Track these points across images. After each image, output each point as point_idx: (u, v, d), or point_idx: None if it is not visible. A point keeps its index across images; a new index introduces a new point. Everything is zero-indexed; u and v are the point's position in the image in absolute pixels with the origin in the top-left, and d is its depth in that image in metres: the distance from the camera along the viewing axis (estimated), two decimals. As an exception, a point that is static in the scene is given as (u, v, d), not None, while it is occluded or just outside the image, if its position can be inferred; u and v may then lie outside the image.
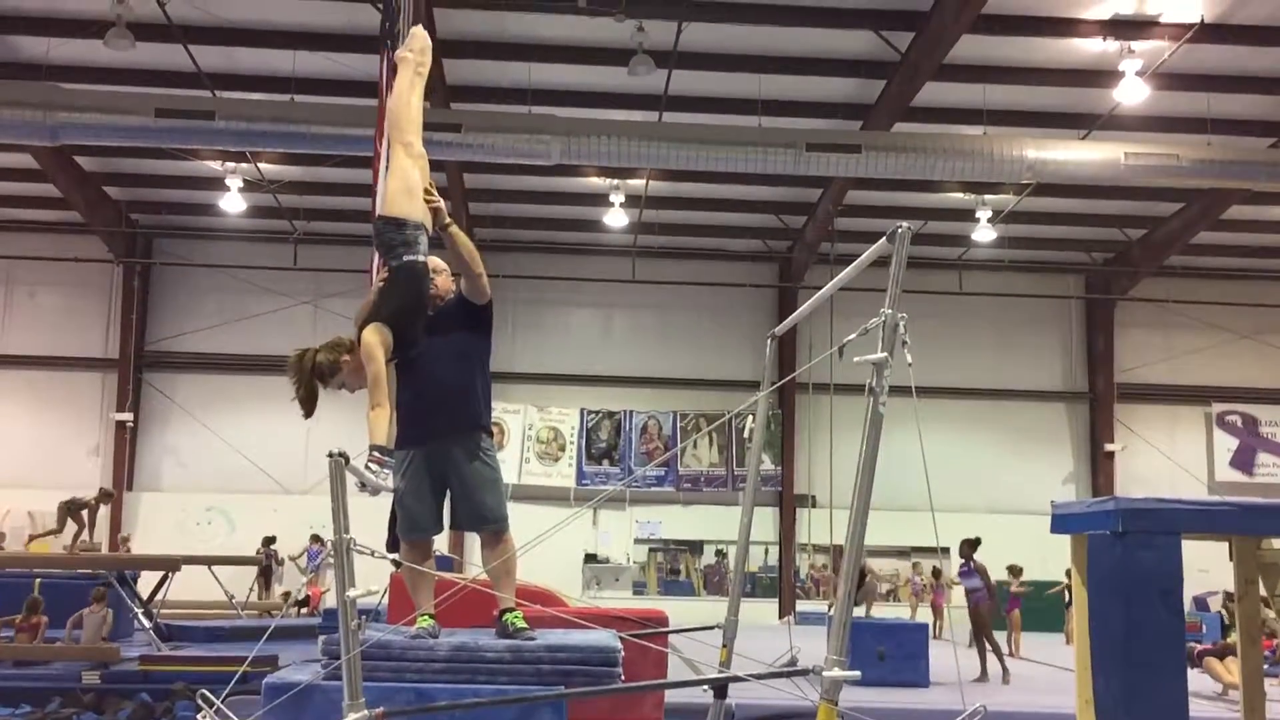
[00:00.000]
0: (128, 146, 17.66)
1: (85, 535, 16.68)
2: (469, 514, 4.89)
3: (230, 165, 18.73)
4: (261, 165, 18.72)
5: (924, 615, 16.75)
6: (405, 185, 4.80)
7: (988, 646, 12.06)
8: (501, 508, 4.91)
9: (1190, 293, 22.27)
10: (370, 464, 4.20)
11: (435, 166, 17.84)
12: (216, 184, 19.40)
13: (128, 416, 21.48)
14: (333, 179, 19.03)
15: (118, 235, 21.38)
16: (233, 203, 19.53)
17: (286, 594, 15.65)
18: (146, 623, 13.22)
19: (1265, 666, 7.41)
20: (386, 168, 5.00)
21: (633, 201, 19.70)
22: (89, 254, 21.35)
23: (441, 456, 4.88)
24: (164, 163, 18.99)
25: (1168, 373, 22.81)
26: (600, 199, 19.70)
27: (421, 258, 4.72)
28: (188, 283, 22.16)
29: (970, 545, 12.87)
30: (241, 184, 19.10)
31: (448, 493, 4.95)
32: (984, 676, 11.70)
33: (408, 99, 5.02)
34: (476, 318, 5.05)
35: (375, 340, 4.48)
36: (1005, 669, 11.75)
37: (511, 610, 4.73)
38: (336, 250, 21.09)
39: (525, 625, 4.71)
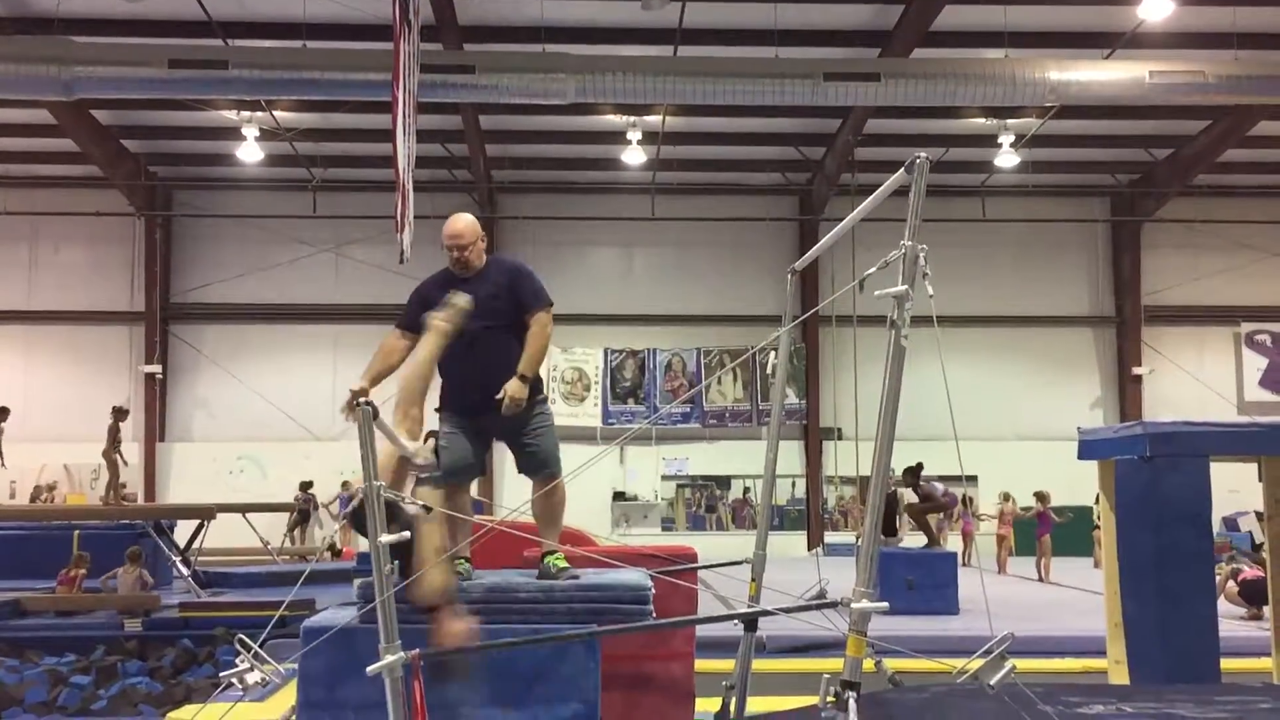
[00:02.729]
0: (143, 99, 17.64)
1: (121, 486, 16.83)
2: (526, 461, 4.97)
3: (246, 114, 18.68)
4: (277, 113, 18.66)
5: (953, 543, 16.80)
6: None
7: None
8: (556, 452, 4.98)
9: (1217, 212, 21.98)
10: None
11: (449, 109, 17.90)
12: (233, 134, 19.37)
13: (156, 369, 21.68)
14: (349, 125, 18.95)
15: (138, 188, 21.42)
16: (250, 152, 19.49)
17: (333, 546, 15.86)
18: (184, 570, 13.47)
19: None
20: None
21: (650, 138, 19.54)
22: (110, 208, 21.41)
23: (489, 424, 4.94)
24: (180, 114, 18.95)
25: (1195, 294, 22.58)
26: (617, 137, 19.55)
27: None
28: (209, 234, 22.22)
29: (912, 473, 12.98)
30: (258, 133, 19.05)
31: (492, 441, 5.04)
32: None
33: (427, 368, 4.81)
34: (518, 304, 4.96)
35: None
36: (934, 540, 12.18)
37: (554, 553, 4.79)
38: (356, 197, 21.08)
39: (567, 566, 4.77)
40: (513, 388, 4.71)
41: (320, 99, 16.84)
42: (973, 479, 20.13)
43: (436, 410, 4.96)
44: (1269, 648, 6.52)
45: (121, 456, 15.77)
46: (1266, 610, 7.98)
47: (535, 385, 4.98)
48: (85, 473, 21.42)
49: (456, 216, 5.05)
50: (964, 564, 14.72)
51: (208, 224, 22.14)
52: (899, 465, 13.36)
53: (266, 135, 19.27)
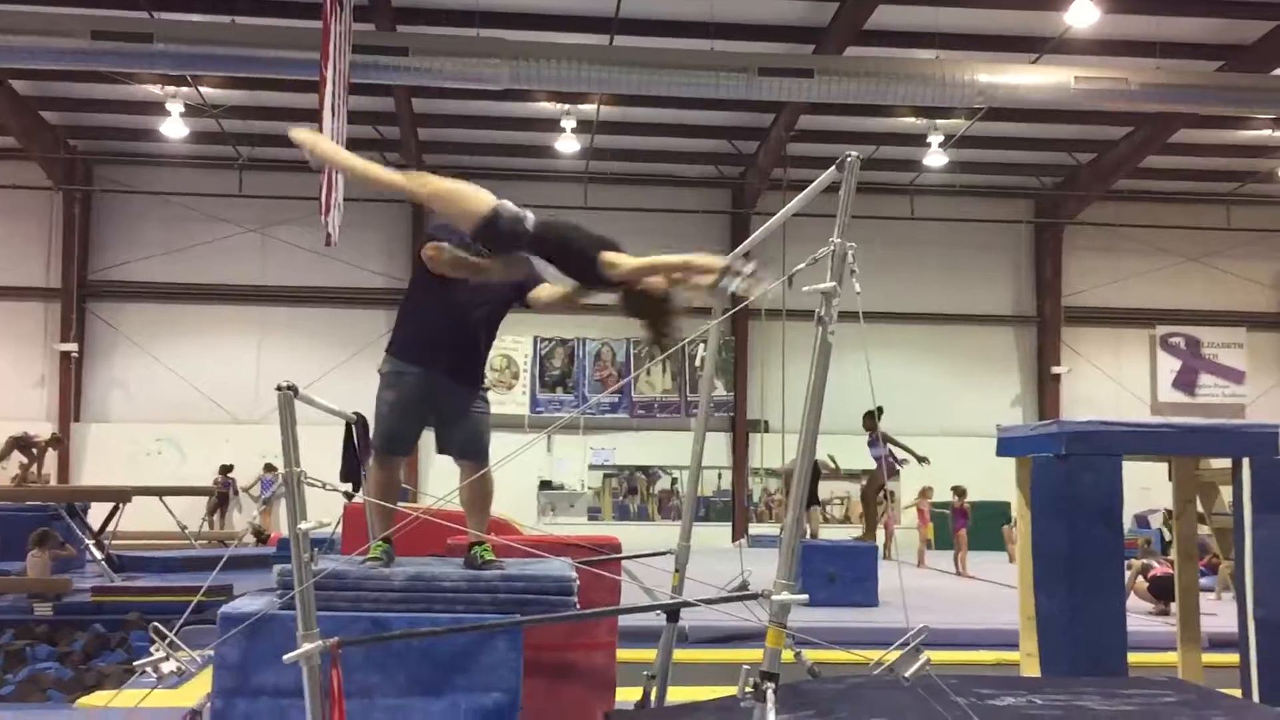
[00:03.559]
0: (64, 70, 17.17)
1: (34, 470, 16.53)
2: (462, 442, 4.89)
3: (171, 89, 18.27)
4: (203, 89, 18.28)
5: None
6: (456, 203, 4.42)
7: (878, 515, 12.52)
8: (488, 440, 4.95)
9: (1136, 216, 22.56)
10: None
11: (382, 91, 17.69)
12: (157, 109, 18.94)
13: (72, 347, 21.15)
14: (278, 103, 18.63)
15: (56, 162, 20.85)
16: (174, 128, 19.08)
17: (259, 530, 15.62)
18: (98, 554, 13.17)
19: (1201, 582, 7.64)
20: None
21: (584, 127, 19.50)
22: (27, 181, 20.82)
23: (445, 390, 4.85)
24: (102, 87, 18.48)
25: (1113, 296, 23.16)
26: (551, 124, 19.48)
27: (532, 216, 4.47)
28: (130, 210, 21.71)
29: (871, 417, 13.04)
30: (183, 109, 18.65)
31: (428, 421, 4.97)
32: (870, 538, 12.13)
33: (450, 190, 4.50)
34: (523, 286, 4.98)
35: (475, 194, 4.37)
36: (871, 535, 12.18)
37: (481, 543, 4.76)
38: (284, 177, 20.73)
39: (494, 558, 4.74)
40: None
41: (248, 76, 16.52)
42: (895, 473, 20.41)
43: (389, 352, 4.83)
44: (1175, 643, 6.71)
45: (39, 473, 15.60)
46: (1174, 606, 8.22)
47: (480, 373, 5.01)
48: (-6, 452, 20.84)
49: None
50: (884, 558, 14.95)
51: (129, 200, 21.63)
52: (852, 460, 13.49)
53: (192, 111, 18.88)
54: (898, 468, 12.83)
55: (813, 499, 12.92)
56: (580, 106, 18.86)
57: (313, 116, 12.18)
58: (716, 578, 5.47)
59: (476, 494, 4.86)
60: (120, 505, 14.10)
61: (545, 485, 21.88)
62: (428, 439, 5.07)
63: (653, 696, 5.19)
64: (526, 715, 4.62)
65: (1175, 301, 23.23)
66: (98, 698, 7.68)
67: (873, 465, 13.76)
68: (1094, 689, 4.46)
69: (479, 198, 4.39)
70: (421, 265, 4.77)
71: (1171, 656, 7.06)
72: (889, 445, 13.08)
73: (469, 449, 4.88)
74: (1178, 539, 6.71)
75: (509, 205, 4.39)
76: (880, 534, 16.93)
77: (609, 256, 4.21)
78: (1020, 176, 22.71)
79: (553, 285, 4.87)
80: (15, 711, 8.16)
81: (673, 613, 5.17)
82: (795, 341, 19.86)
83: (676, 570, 5.33)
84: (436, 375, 4.81)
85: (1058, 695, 4.32)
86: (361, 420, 5.25)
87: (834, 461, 14.30)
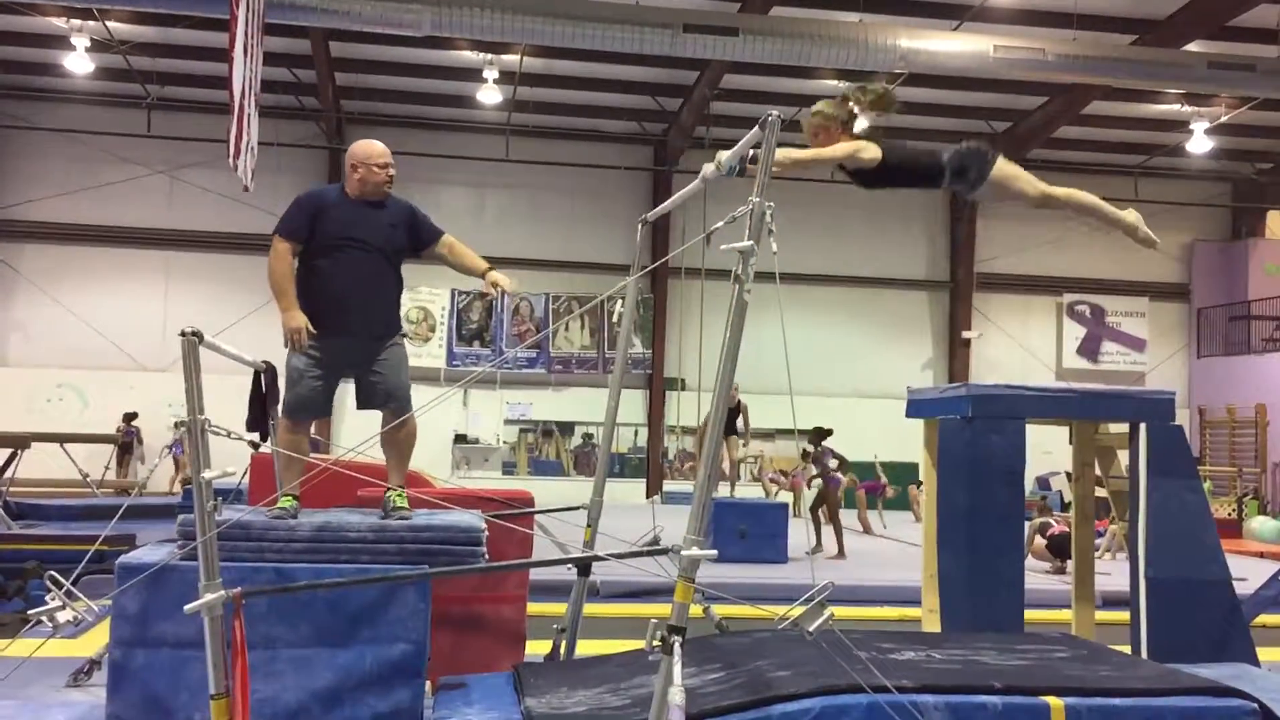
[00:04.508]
0: (-40, -3, 16.44)
1: None
2: (382, 392, 4.88)
3: (76, 23, 17.58)
4: (110, 24, 17.63)
5: (783, 496, 17.26)
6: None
7: (826, 522, 12.60)
8: (408, 388, 4.95)
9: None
10: None
11: (298, 33, 17.22)
12: (62, 42, 18.22)
13: (-31, 288, 20.42)
14: (188, 41, 18.04)
15: (-48, 94, 20.01)
16: (79, 63, 18.37)
17: (187, 481, 15.24)
18: (-5, 501, 12.78)
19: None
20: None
21: (507, 78, 19.24)
22: (-79, 113, 19.97)
23: (355, 351, 4.84)
24: (3, 17, 17.71)
25: (1023, 264, 23.64)
26: (474, 74, 19.19)
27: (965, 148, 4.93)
28: (33, 148, 20.91)
29: (819, 434, 13.29)
30: (89, 44, 17.96)
31: (341, 381, 4.95)
32: (819, 548, 12.23)
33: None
34: (419, 237, 5.08)
35: (859, 150, 4.76)
36: (842, 548, 12.29)
37: (397, 491, 4.76)
38: (195, 118, 20.14)
39: (405, 506, 4.73)
40: (502, 277, 4.95)
41: (156, 11, 15.95)
42: (804, 432, 20.69)
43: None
44: (1070, 600, 6.93)
45: None
46: (1070, 565, 8.48)
47: (398, 321, 5.03)
48: (-114, 395, 20.11)
49: (370, 140, 5.05)
50: (794, 515, 15.19)
51: (32, 137, 20.82)
52: (765, 419, 13.44)
53: (98, 47, 18.20)
54: (839, 481, 12.96)
55: (730, 429, 13.07)
56: (503, 57, 18.60)
57: (223, 56, 11.82)
58: (629, 533, 5.51)
59: (396, 441, 4.86)
60: (19, 451, 13.69)
61: (460, 439, 21.77)
62: (342, 391, 5.01)
63: (562, 649, 5.23)
64: (435, 666, 4.62)
65: (1082, 270, 23.81)
66: (-8, 647, 7.49)
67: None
68: (991, 644, 4.59)
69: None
70: (309, 227, 4.77)
71: (1065, 613, 7.30)
72: (830, 459, 13.13)
73: (389, 399, 4.87)
74: (1076, 501, 6.91)
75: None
76: (788, 495, 17.20)
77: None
78: (938, 142, 22.88)
79: (464, 253, 5.08)
80: (-95, 661, 7.92)
81: (584, 567, 5.19)
82: (714, 300, 19.98)
83: (589, 525, 5.35)
84: (344, 340, 4.80)
85: (956, 650, 4.44)
86: (270, 369, 5.17)
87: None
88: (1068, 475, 15.83)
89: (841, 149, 4.71)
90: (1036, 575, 10.44)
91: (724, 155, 3.83)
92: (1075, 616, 6.66)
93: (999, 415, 5.81)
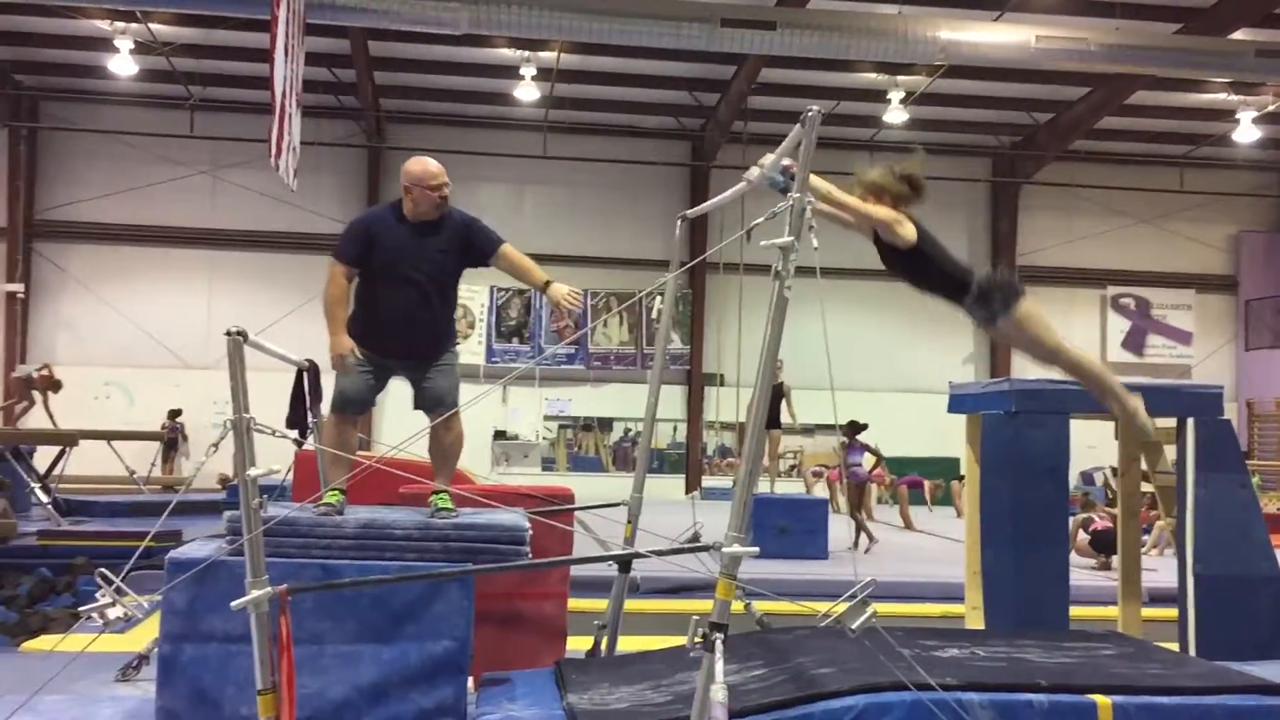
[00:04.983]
0: (9, 2, 16.70)
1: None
2: (431, 399, 4.92)
3: (120, 25, 17.80)
4: (153, 26, 17.84)
5: (821, 490, 17.19)
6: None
7: (863, 519, 12.56)
8: (456, 394, 4.96)
9: (1092, 177, 22.74)
10: None
11: (338, 32, 17.34)
12: (105, 45, 18.47)
13: (18, 287, 20.72)
14: (231, 42, 18.23)
15: (2, 98, 20.31)
16: (123, 65, 18.61)
17: (225, 478, 15.37)
18: (44, 498, 13.00)
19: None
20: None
21: (544, 75, 19.28)
22: (-30, 117, 20.30)
23: (403, 365, 4.95)
24: (49, 20, 17.99)
25: (1067, 256, 23.37)
26: (511, 71, 19.24)
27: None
28: (79, 149, 21.21)
29: (854, 427, 13.25)
30: (132, 45, 18.18)
31: (388, 383, 5.02)
32: (855, 546, 12.18)
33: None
34: (473, 254, 5.04)
35: (895, 223, 4.55)
36: (871, 540, 12.25)
37: (441, 494, 4.78)
38: (236, 118, 20.34)
39: (451, 507, 4.74)
40: (565, 291, 4.97)
41: (198, 13, 16.13)
42: (863, 429, 20.61)
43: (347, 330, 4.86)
44: (1115, 597, 6.85)
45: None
46: (1115, 560, 8.39)
47: (452, 331, 5.07)
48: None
49: (424, 158, 4.98)
50: (834, 510, 15.12)
51: (77, 139, 21.12)
52: (805, 414, 13.47)
53: (141, 49, 18.43)
54: (860, 475, 12.94)
55: (773, 421, 13.06)
56: (540, 54, 18.63)
57: (265, 56, 11.93)
58: (669, 529, 5.51)
59: (444, 444, 4.88)
60: (67, 449, 13.91)
61: (500, 435, 21.86)
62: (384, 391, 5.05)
63: (603, 645, 5.24)
64: (478, 663, 4.65)
65: (1126, 263, 23.51)
66: (43, 641, 7.62)
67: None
68: (1036, 641, 4.55)
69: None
70: (364, 252, 4.79)
71: (1112, 610, 7.22)
72: (859, 453, 13.11)
73: (438, 404, 4.90)
74: (1122, 496, 6.83)
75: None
76: (824, 488, 17.12)
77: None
78: (979, 135, 22.78)
79: (521, 264, 5.04)
80: (-41, 654, 8.07)
81: (624, 563, 5.20)
82: (752, 295, 19.89)
83: (629, 521, 5.36)
84: (392, 359, 4.86)
85: (1000, 647, 4.40)
86: (313, 367, 5.22)
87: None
88: (1112, 470, 15.66)
89: (883, 212, 4.55)
90: (1080, 571, 10.33)
91: (768, 159, 3.79)
92: (1122, 613, 6.59)
93: (1042, 410, 5.76)
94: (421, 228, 4.90)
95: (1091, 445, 15.89)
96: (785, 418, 13.44)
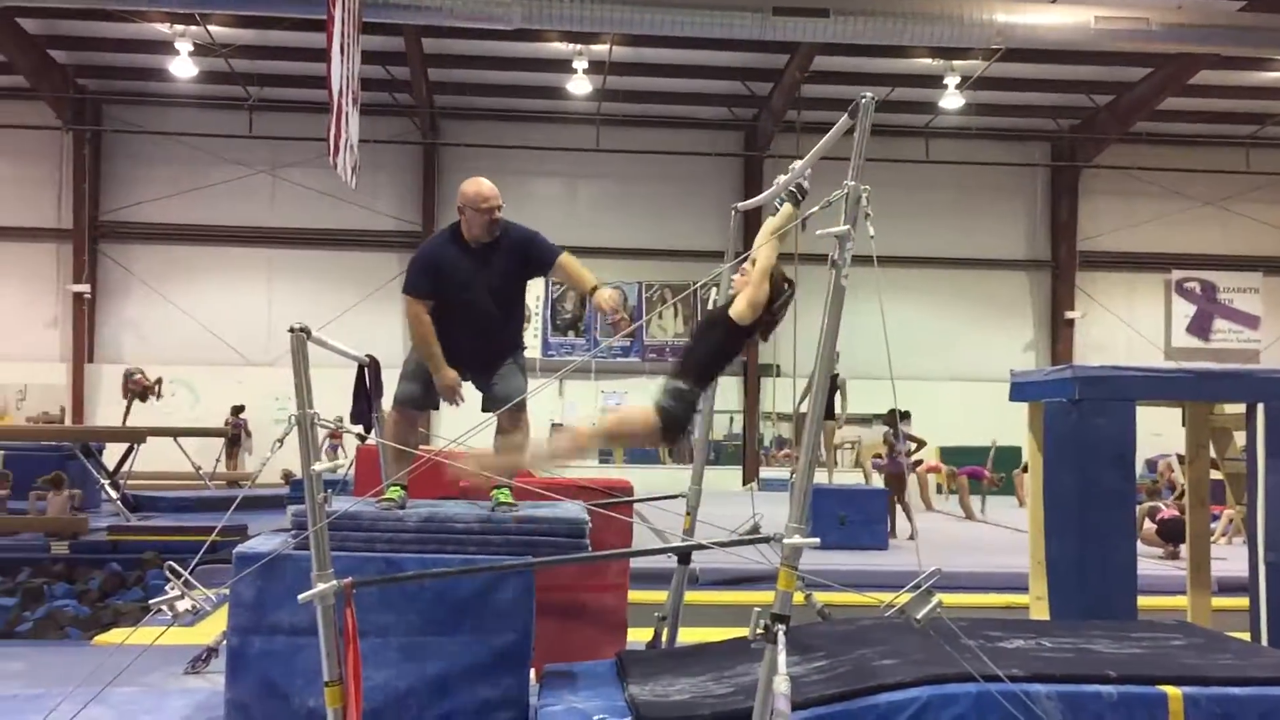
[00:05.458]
0: (72, 8, 17.04)
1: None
2: (496, 400, 4.93)
3: (179, 28, 18.11)
4: (212, 28, 18.12)
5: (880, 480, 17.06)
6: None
7: (906, 507, 12.45)
8: (523, 394, 4.94)
9: (1154, 160, 22.30)
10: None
11: (392, 30, 17.49)
12: (166, 48, 18.80)
13: (85, 288, 21.18)
14: (288, 43, 18.46)
15: (65, 101, 20.74)
16: (183, 68, 18.93)
17: (288, 473, 15.58)
18: (113, 494, 13.28)
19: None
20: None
21: (596, 68, 19.30)
22: (37, 121, 20.73)
23: (473, 376, 4.98)
24: (110, 25, 18.35)
25: (1129, 240, 22.96)
26: (563, 65, 19.29)
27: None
28: (141, 151, 21.61)
29: (894, 415, 13.17)
30: (191, 48, 18.49)
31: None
32: (895, 534, 12.06)
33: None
34: (532, 266, 5.05)
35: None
36: (914, 530, 12.11)
37: (501, 488, 4.79)
38: (294, 118, 20.60)
39: (511, 502, 4.76)
40: (607, 294, 4.99)
41: (255, 14, 16.36)
42: (905, 416, 20.41)
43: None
44: (1184, 586, 6.73)
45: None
46: (1183, 549, 8.24)
47: (519, 339, 5.11)
48: (11, 392, 21.00)
49: (478, 179, 4.93)
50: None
51: (139, 141, 21.52)
52: (863, 404, 13.44)
53: (201, 51, 18.73)
54: (901, 464, 12.86)
55: (828, 412, 13.01)
56: (592, 47, 18.65)
57: (321, 56, 12.06)
58: (727, 520, 5.50)
59: (507, 445, 4.88)
60: (135, 446, 14.20)
61: (557, 428, 21.94)
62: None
63: (664, 637, 5.24)
64: (540, 655, 4.67)
65: (1191, 246, 23.05)
66: (115, 635, 7.77)
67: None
68: (1103, 632, 4.48)
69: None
70: (432, 283, 4.85)
71: (1181, 600, 7.09)
72: (901, 441, 13.02)
73: (501, 400, 4.90)
74: (1190, 484, 6.70)
75: None
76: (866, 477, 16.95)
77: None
78: (1037, 119, 22.44)
79: (575, 270, 5.08)
80: (34, 647, 8.27)
81: (684, 555, 5.20)
82: (807, 285, 19.71)
83: (688, 513, 5.36)
84: (461, 369, 4.89)
85: (1067, 638, 4.34)
86: (374, 363, 5.26)
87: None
88: (1179, 458, 15.40)
89: (762, 294, 4.55)
90: (1147, 561, 10.16)
91: (797, 165, 3.80)
92: (1191, 603, 6.47)
93: (1107, 397, 5.66)
94: (482, 249, 4.90)
95: (1157, 433, 15.59)
96: (837, 409, 13.39)
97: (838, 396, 13.28)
